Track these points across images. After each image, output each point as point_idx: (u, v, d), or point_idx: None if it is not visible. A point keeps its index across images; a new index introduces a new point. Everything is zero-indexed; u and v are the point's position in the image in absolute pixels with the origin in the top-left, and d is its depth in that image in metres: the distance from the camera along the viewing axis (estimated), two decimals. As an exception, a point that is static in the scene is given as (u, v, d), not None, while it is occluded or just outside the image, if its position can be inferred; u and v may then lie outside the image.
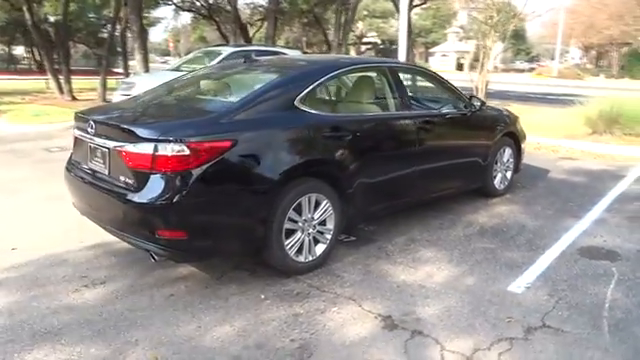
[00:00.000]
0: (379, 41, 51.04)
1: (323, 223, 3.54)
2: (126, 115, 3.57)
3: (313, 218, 3.46)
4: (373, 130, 3.90)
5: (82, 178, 3.49)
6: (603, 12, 33.49)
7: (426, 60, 53.95)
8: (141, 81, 9.19)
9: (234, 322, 2.90)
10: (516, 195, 5.54)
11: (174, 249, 3.01)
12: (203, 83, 4.22)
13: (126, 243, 3.36)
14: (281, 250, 3.30)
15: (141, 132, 2.95)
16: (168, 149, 2.86)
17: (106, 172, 3.23)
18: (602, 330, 2.83)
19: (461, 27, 52.56)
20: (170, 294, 3.23)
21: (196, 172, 2.89)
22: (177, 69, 10.39)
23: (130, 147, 2.96)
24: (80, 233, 4.08)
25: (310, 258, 3.50)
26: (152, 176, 2.91)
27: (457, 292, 3.27)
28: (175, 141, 2.86)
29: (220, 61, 9.56)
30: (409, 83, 4.45)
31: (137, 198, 2.95)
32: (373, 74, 4.30)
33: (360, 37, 46.46)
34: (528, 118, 8.52)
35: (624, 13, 35.16)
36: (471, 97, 4.93)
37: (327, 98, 3.74)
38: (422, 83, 5.57)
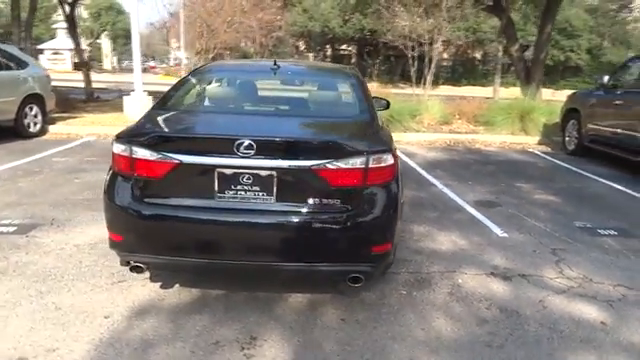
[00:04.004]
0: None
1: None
2: (282, 129, 3.01)
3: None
4: None
5: (198, 220, 2.74)
6: (218, 20, 38.63)
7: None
8: None
9: (434, 318, 3.12)
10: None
11: (382, 263, 2.92)
12: (272, 87, 3.75)
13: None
14: None
15: (352, 145, 2.72)
16: (381, 160, 2.78)
17: (271, 199, 2.72)
18: (577, 240, 4.47)
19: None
20: (341, 319, 3.06)
21: (395, 180, 2.92)
22: None
23: (337, 164, 2.68)
24: (81, 311, 3.09)
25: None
26: (365, 191, 2.76)
27: (486, 246, 4.31)
28: (386, 151, 2.81)
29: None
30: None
31: (353, 218, 2.72)
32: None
33: None
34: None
35: (235, 22, 41.11)
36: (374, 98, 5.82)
37: None
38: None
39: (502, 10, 14.42)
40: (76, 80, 18.76)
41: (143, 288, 3.39)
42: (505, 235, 4.61)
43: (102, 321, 2.97)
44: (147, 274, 3.51)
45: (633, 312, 3.23)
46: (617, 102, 7.47)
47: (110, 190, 2.89)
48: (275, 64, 3.76)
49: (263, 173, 2.70)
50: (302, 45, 39.83)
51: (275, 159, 2.69)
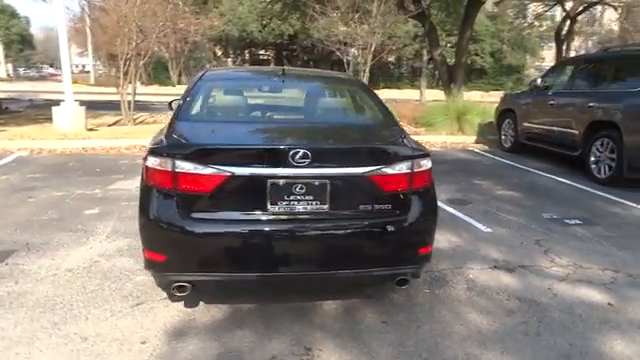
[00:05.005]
0: None
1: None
2: (331, 137, 3.02)
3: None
4: None
5: (251, 232, 2.69)
6: (152, 24, 37.21)
7: None
8: None
9: (466, 313, 3.29)
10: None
11: (425, 264, 3.03)
12: (291, 96, 3.67)
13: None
14: None
15: (400, 151, 2.82)
16: (422, 165, 2.88)
17: (324, 207, 2.72)
18: (552, 230, 4.88)
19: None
20: (382, 321, 3.12)
21: (432, 184, 3.04)
22: None
23: (387, 169, 2.76)
24: (112, 339, 2.92)
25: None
26: (411, 195, 2.85)
27: (477, 242, 4.58)
28: (426, 156, 2.92)
29: None
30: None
31: (402, 222, 2.80)
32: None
33: None
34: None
35: (147, 27, 39.40)
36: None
37: None
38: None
39: (425, 17, 15.21)
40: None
41: (167, 309, 3.24)
42: (489, 230, 4.92)
43: (141, 347, 2.80)
44: (164, 294, 3.38)
45: (630, 292, 3.61)
46: (551, 102, 8.19)
47: (148, 207, 2.73)
48: (283, 72, 3.75)
49: (317, 182, 2.70)
50: (219, 50, 39.17)
51: (329, 167, 2.72)
